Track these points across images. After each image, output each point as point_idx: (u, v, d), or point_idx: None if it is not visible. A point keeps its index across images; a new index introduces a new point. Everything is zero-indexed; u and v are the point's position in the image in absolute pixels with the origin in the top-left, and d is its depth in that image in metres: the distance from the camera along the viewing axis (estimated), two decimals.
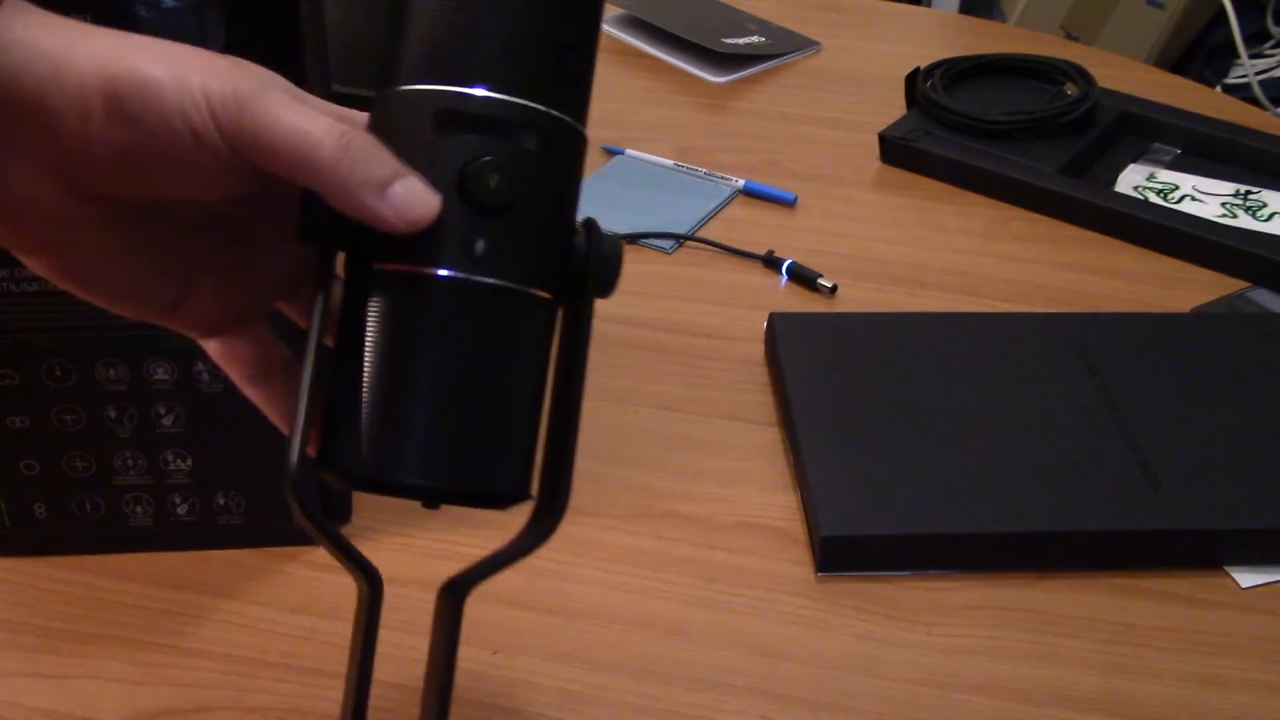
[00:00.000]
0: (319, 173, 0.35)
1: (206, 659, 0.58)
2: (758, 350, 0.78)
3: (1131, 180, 0.97)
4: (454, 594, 0.40)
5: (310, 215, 0.36)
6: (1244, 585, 0.63)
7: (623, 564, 0.63)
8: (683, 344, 0.79)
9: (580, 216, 0.40)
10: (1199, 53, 1.93)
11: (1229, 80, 1.85)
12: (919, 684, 0.57)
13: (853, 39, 1.22)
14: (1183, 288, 0.85)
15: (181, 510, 0.62)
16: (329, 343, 0.39)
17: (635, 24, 1.20)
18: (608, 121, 1.04)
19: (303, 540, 0.62)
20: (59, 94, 0.34)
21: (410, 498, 0.38)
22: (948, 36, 1.29)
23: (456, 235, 0.36)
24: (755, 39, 1.18)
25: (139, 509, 0.61)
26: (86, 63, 0.34)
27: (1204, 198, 0.94)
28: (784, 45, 1.18)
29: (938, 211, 0.94)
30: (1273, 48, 1.87)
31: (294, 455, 0.36)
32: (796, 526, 0.66)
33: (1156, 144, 1.02)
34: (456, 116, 0.36)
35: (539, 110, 0.37)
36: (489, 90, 0.36)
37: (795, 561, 0.64)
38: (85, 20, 0.35)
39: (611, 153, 1.00)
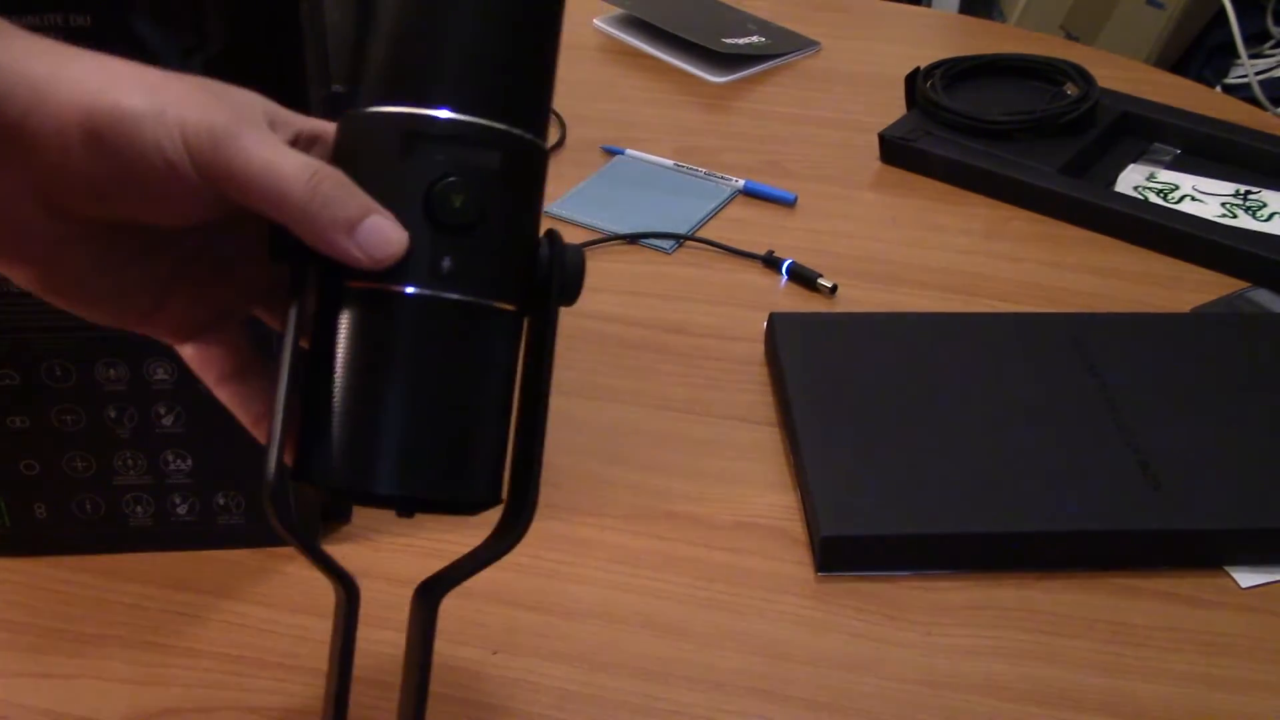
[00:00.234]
0: (289, 212, 0.36)
1: (206, 659, 0.58)
2: (758, 350, 0.78)
3: (1131, 180, 0.97)
4: (428, 597, 0.41)
5: (279, 235, 0.38)
6: (1244, 585, 0.63)
7: (623, 564, 0.63)
8: (683, 344, 0.79)
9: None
10: (1199, 53, 1.93)
11: (1229, 80, 1.85)
12: (919, 684, 0.57)
13: (853, 39, 1.22)
14: (1183, 288, 0.85)
15: (181, 510, 0.62)
16: (304, 344, 0.40)
17: (635, 24, 1.20)
18: (608, 121, 1.04)
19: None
20: (39, 123, 0.34)
21: (384, 507, 0.39)
22: (948, 36, 1.29)
23: (423, 253, 0.37)
24: (755, 39, 1.18)
25: (139, 509, 0.61)
26: (67, 93, 0.35)
27: (1204, 198, 0.94)
28: (784, 45, 1.18)
29: (937, 211, 0.94)
30: (1273, 48, 1.87)
31: (271, 467, 0.37)
32: (796, 526, 0.66)
33: (1156, 144, 1.02)
34: (421, 138, 0.38)
35: (501, 130, 0.38)
36: (453, 112, 0.38)
37: (795, 561, 0.64)
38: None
39: (611, 153, 1.00)
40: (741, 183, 0.95)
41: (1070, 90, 1.04)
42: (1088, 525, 0.63)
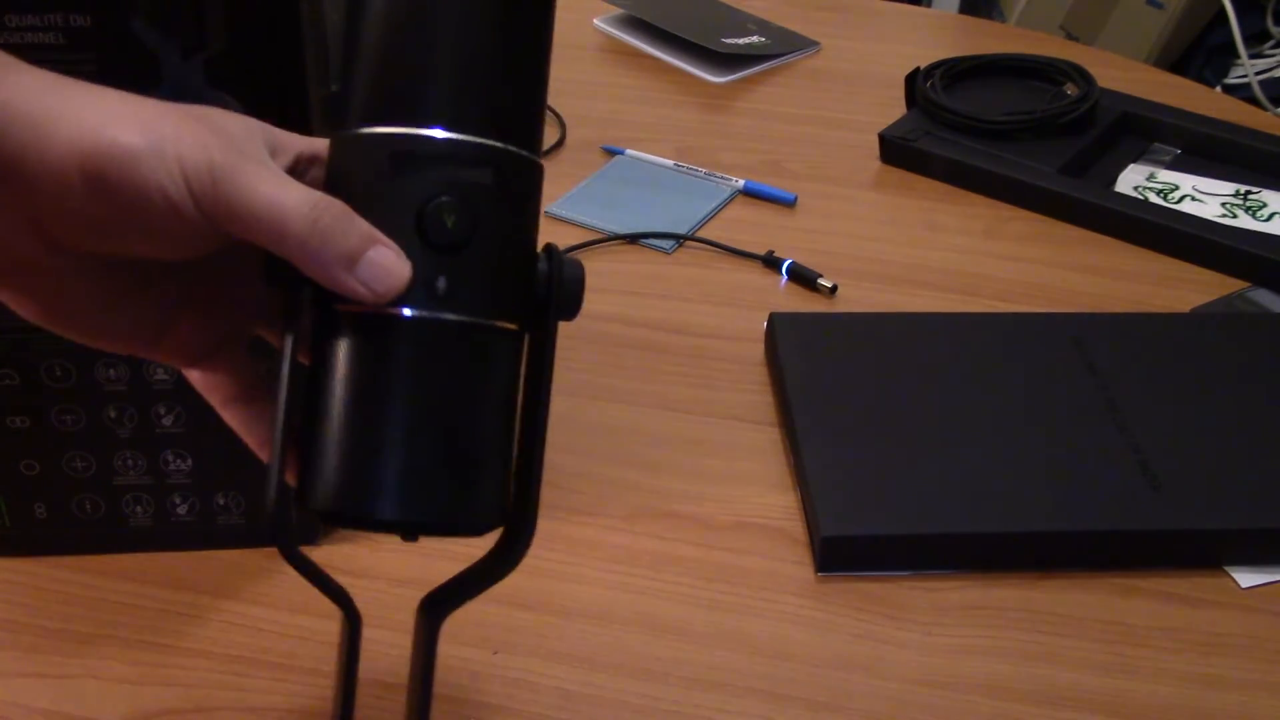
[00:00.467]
0: (290, 248, 0.36)
1: (206, 659, 0.58)
2: (758, 350, 0.78)
3: (1131, 180, 0.97)
4: (432, 615, 0.41)
5: (275, 261, 0.37)
6: (1244, 585, 0.63)
7: (623, 564, 0.63)
8: (683, 344, 0.79)
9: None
10: (1199, 53, 1.93)
11: (1229, 80, 1.85)
12: (919, 684, 0.57)
13: (853, 39, 1.22)
14: (1183, 288, 0.85)
15: (181, 510, 0.62)
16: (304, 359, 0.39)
17: (635, 24, 1.20)
18: (608, 121, 1.04)
19: (302, 541, 0.62)
20: (38, 162, 0.34)
21: (387, 533, 0.38)
22: (948, 36, 1.29)
23: (419, 274, 0.37)
24: (755, 39, 1.18)
25: (139, 509, 0.61)
26: (64, 132, 0.34)
27: (1204, 198, 0.94)
28: (784, 45, 1.18)
29: (937, 211, 0.94)
30: (1273, 48, 1.87)
31: (271, 493, 0.37)
32: (796, 526, 0.66)
33: (1156, 144, 1.02)
34: (414, 158, 0.37)
35: (494, 147, 0.38)
36: (445, 130, 0.37)
37: (795, 561, 0.64)
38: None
39: (611, 153, 1.00)
40: (741, 183, 0.95)
41: (1070, 90, 1.04)
42: (1087, 525, 0.63)
